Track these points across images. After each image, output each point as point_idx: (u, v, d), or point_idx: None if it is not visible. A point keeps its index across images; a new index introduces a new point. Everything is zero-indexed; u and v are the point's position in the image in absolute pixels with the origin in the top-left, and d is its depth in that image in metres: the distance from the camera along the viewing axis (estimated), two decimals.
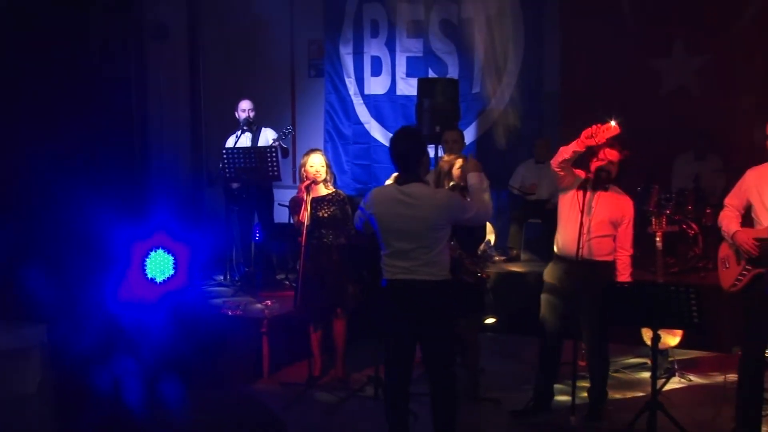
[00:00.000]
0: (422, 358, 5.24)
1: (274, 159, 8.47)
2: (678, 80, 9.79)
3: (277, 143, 8.71)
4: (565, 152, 5.86)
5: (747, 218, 5.63)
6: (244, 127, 8.99)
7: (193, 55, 11.79)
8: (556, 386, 6.37)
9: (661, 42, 9.79)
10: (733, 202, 5.68)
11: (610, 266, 5.97)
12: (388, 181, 5.74)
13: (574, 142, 5.80)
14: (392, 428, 5.20)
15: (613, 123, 5.71)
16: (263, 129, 9.08)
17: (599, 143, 5.72)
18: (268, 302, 7.77)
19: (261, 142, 8.91)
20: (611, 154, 5.85)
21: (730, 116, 9.29)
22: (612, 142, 5.87)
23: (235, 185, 8.84)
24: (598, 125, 5.74)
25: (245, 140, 8.96)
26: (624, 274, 5.97)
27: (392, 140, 5.25)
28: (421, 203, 4.94)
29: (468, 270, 6.16)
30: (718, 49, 9.52)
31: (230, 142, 8.97)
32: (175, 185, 11.52)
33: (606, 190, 5.91)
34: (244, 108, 9.03)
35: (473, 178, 5.30)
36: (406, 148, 5.12)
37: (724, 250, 5.76)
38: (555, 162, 5.96)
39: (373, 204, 5.08)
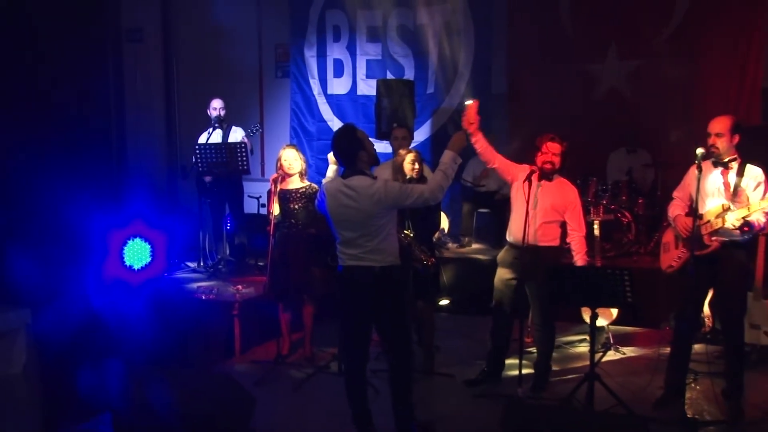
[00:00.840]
0: (379, 338, 5.27)
1: (244, 154, 8.47)
2: (611, 83, 9.90)
3: (247, 140, 8.72)
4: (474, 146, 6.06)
5: None
6: (215, 125, 8.96)
7: (167, 56, 11.73)
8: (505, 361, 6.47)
9: (596, 49, 9.89)
10: (679, 194, 5.82)
11: (556, 251, 6.06)
12: (329, 173, 5.73)
13: None
14: (352, 404, 5.23)
15: (469, 102, 5.99)
16: (233, 127, 9.06)
17: (472, 121, 5.91)
18: (239, 287, 7.79)
19: (231, 139, 8.90)
20: (553, 148, 5.95)
21: (658, 116, 9.46)
22: (552, 136, 5.98)
23: (207, 178, 8.80)
24: (464, 112, 6.01)
25: (216, 137, 8.93)
26: (579, 253, 6.04)
27: (332, 139, 5.23)
28: (360, 195, 4.93)
29: (416, 257, 6.18)
30: (647, 56, 9.66)
31: (202, 139, 8.95)
32: (150, 178, 11.46)
33: (551, 180, 6.00)
34: (215, 106, 9.02)
35: (446, 156, 5.16)
36: (343, 145, 5.10)
37: (668, 236, 5.93)
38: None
39: (324, 198, 5.10)
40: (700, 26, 9.34)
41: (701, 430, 5.47)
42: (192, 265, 9.19)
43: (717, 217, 5.40)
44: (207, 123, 9.10)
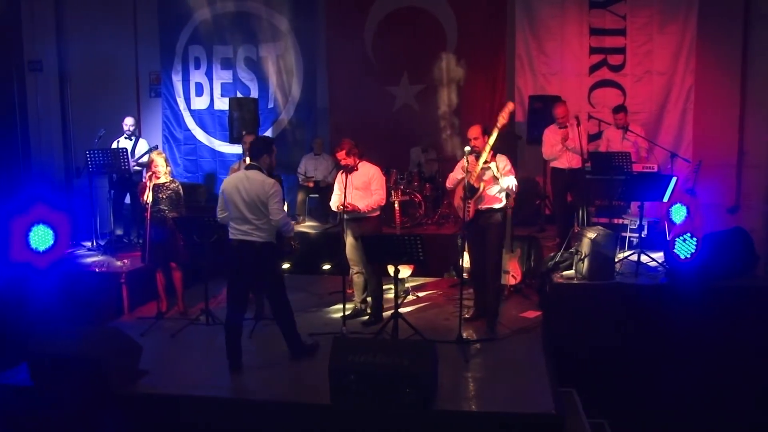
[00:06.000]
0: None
1: (126, 158, 8.11)
2: (405, 101, 10.08)
3: (149, 150, 8.50)
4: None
5: None
6: (127, 137, 8.72)
7: (62, 81, 11.00)
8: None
9: (393, 76, 10.04)
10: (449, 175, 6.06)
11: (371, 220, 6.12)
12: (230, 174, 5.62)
13: None
14: (229, 342, 5.20)
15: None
16: (140, 139, 8.85)
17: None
18: (125, 260, 7.44)
19: (139, 147, 8.68)
20: (339, 155, 6.04)
21: (438, 124, 9.80)
22: (342, 147, 6.03)
23: (114, 176, 8.41)
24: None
25: (126, 144, 8.62)
26: (371, 205, 6.06)
27: (251, 143, 5.42)
28: (251, 183, 5.02)
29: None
30: (428, 82, 9.94)
31: (114, 145, 8.62)
32: (51, 177, 10.85)
33: (357, 169, 6.06)
34: (128, 123, 8.81)
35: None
36: (256, 143, 5.35)
37: (456, 201, 6.05)
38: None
39: (224, 184, 5.16)
40: (462, 63, 9.81)
41: (472, 345, 5.65)
42: (87, 245, 8.54)
43: (483, 191, 5.70)
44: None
